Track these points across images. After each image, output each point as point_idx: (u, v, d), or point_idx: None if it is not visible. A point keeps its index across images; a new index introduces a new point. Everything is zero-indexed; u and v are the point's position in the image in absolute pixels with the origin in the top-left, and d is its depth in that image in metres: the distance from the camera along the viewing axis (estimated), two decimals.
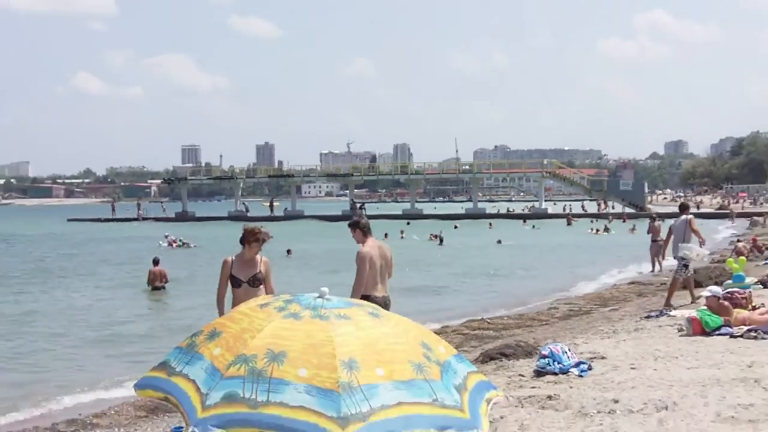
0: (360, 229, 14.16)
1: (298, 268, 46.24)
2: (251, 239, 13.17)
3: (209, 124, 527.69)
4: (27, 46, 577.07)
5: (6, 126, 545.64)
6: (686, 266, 24.26)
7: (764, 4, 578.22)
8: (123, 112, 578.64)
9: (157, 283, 37.87)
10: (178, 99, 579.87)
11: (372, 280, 13.95)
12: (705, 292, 20.72)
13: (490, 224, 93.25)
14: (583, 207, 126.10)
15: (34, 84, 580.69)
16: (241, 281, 12.90)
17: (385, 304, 12.88)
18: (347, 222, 14.88)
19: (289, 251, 54.01)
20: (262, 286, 12.97)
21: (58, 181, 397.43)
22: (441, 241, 67.94)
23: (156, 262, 39.17)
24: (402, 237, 67.91)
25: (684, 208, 26.10)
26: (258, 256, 13.19)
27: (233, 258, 13.16)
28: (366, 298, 12.85)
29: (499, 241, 71.54)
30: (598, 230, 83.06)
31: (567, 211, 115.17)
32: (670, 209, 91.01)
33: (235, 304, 11.73)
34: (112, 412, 16.53)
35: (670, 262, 28.67)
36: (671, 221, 27.15)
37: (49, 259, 61.47)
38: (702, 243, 25.32)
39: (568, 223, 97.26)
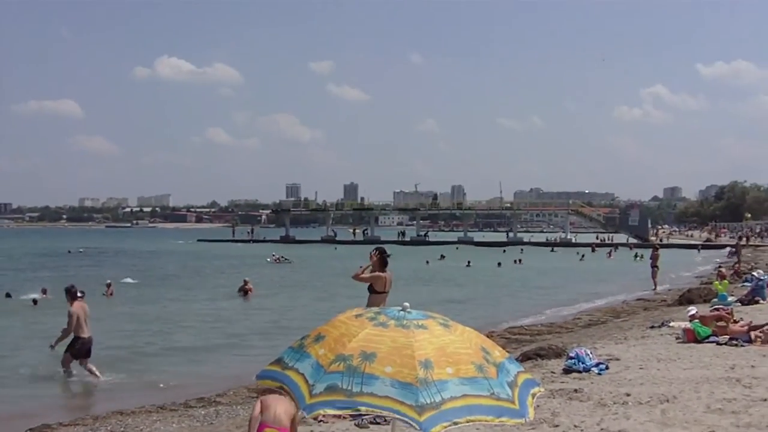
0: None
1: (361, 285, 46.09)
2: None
3: (308, 167, 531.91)
4: (171, 106, 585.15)
5: (154, 166, 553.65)
6: None
7: (742, 82, 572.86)
8: (242, 158, 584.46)
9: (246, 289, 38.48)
10: (285, 148, 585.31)
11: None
12: (691, 309, 21.04)
13: (522, 249, 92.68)
14: (597, 237, 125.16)
15: (176, 135, 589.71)
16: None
17: None
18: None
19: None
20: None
21: (191, 209, 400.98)
22: (499, 264, 67.55)
23: (246, 283, 39.69)
24: (468, 265, 67.14)
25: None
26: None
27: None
28: None
29: (519, 260, 71.45)
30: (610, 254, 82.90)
31: (597, 242, 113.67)
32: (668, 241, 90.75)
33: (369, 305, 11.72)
34: (231, 393, 16.55)
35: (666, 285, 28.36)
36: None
37: (184, 269, 62.09)
38: None
39: (593, 250, 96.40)
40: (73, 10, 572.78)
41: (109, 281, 41.07)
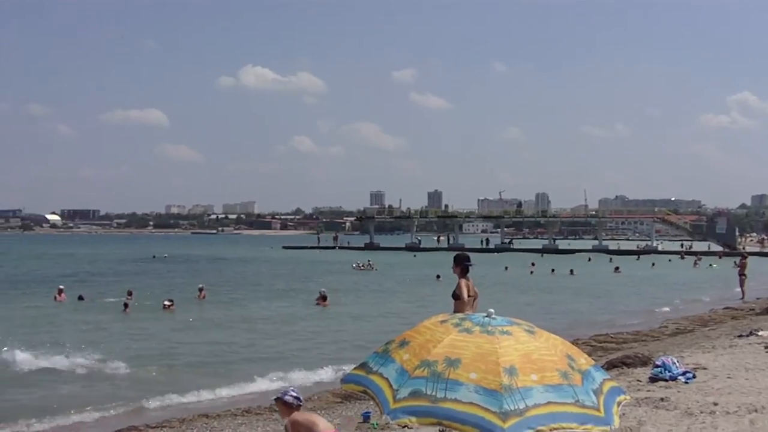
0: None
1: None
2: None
3: (392, 175, 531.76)
4: (256, 114, 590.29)
5: (239, 174, 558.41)
6: None
7: None
8: (327, 165, 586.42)
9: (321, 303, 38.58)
10: (368, 155, 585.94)
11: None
12: None
13: (611, 259, 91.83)
14: (682, 245, 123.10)
15: (261, 143, 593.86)
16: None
17: None
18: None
19: (438, 276, 52.90)
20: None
21: (276, 216, 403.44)
22: (572, 271, 66.88)
23: (322, 293, 39.86)
24: (552, 272, 66.53)
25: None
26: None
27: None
28: None
29: (617, 269, 70.63)
30: (696, 262, 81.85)
31: (683, 250, 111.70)
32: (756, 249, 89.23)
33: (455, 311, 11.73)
34: (315, 398, 16.68)
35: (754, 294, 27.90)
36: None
37: (271, 275, 62.57)
38: None
39: (682, 258, 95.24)
40: (159, 22, 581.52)
41: (201, 285, 41.92)
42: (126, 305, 35.60)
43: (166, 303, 36.49)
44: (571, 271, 66.29)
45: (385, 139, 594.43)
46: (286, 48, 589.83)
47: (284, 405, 8.88)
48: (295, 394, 8.91)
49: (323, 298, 38.89)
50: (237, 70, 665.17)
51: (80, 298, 40.00)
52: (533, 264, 75.46)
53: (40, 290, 44.95)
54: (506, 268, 70.11)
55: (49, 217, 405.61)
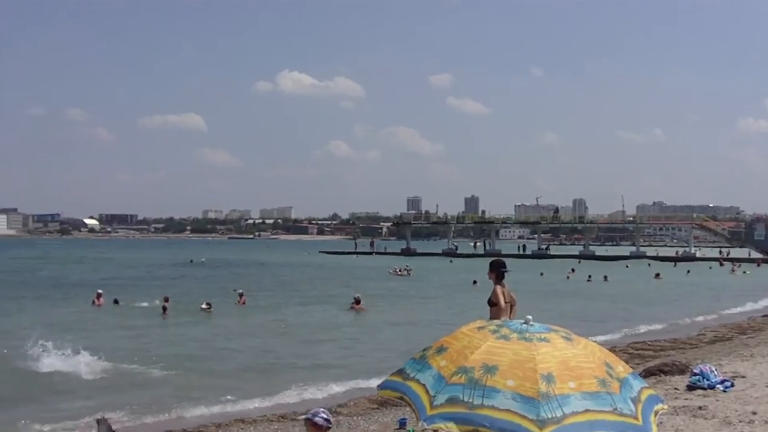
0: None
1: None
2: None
3: (429, 180, 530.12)
4: (293, 119, 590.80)
5: (277, 179, 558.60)
6: None
7: None
8: (363, 170, 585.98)
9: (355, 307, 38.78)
10: (405, 161, 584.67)
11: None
12: None
13: (649, 264, 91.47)
14: (720, 252, 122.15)
15: (298, 148, 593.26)
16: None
17: None
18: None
19: (475, 282, 52.57)
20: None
21: (313, 221, 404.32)
22: (606, 278, 66.48)
23: (356, 297, 39.97)
24: (589, 279, 66.19)
25: None
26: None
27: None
28: None
29: (658, 275, 70.23)
30: (734, 270, 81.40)
31: (721, 256, 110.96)
32: None
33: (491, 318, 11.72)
34: (352, 404, 16.71)
35: None
36: None
37: (308, 280, 62.74)
38: None
39: (721, 264, 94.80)
40: (196, 26, 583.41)
41: (240, 290, 42.17)
42: (165, 309, 35.96)
43: (204, 306, 36.79)
44: (605, 277, 65.95)
45: (422, 143, 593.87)
46: (323, 53, 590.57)
47: (314, 426, 8.85)
48: (325, 416, 8.87)
49: (357, 302, 39.09)
50: (274, 75, 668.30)
51: (115, 301, 40.46)
52: (573, 270, 75.26)
53: (80, 294, 45.29)
54: (542, 274, 69.68)
55: (88, 221, 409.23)
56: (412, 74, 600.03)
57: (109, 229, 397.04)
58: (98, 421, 11.43)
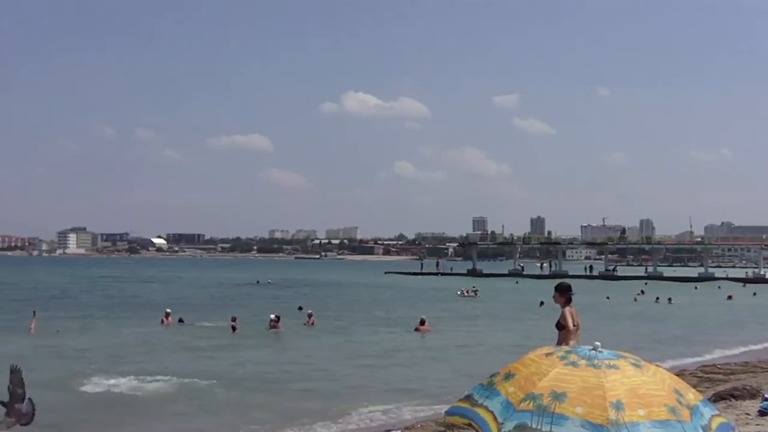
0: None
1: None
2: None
3: (494, 201, 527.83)
4: (359, 139, 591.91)
5: (343, 199, 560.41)
6: None
7: None
8: (429, 191, 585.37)
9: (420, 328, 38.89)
10: (470, 181, 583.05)
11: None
12: None
13: (719, 286, 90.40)
14: None
15: (364, 168, 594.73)
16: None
17: None
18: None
19: (542, 303, 51.86)
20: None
21: (379, 242, 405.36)
22: (670, 300, 65.65)
23: (421, 319, 39.99)
24: (657, 301, 65.55)
25: None
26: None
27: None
28: None
29: (730, 297, 69.28)
30: None
31: None
32: None
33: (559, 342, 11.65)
34: (419, 426, 16.67)
35: None
36: None
37: (374, 301, 62.86)
38: None
39: None
40: (262, 47, 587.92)
41: (310, 311, 42.35)
42: (234, 328, 36.33)
43: (273, 317, 37.38)
44: (669, 299, 65.38)
45: (487, 164, 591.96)
46: (387, 74, 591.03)
47: None
48: None
49: (422, 323, 39.14)
50: (339, 95, 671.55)
51: (180, 321, 40.93)
52: (642, 292, 74.55)
53: (149, 314, 45.73)
54: (608, 297, 68.53)
55: (155, 240, 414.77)
56: (476, 95, 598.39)
57: (176, 249, 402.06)
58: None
